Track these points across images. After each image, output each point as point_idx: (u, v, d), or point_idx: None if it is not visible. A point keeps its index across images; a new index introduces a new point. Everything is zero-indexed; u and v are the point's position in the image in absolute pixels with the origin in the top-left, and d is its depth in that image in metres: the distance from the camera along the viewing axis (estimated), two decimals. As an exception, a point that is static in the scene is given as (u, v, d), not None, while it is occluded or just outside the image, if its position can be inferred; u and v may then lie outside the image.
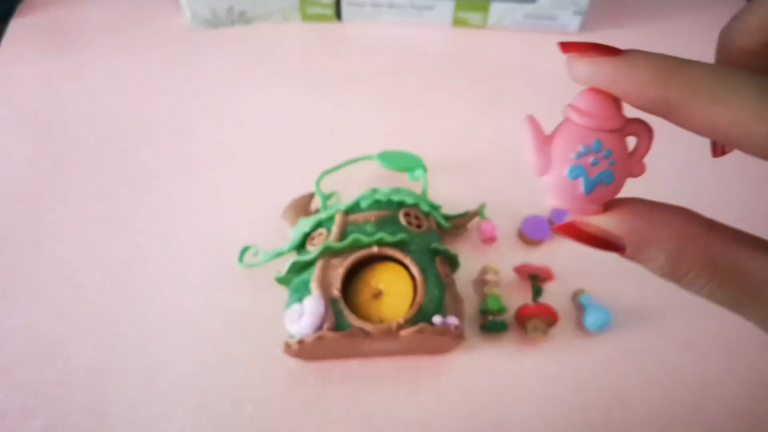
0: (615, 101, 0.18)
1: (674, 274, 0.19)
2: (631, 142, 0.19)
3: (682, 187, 0.51)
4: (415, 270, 0.39)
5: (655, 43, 0.59)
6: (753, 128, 0.16)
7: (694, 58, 0.54)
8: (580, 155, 0.18)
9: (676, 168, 0.52)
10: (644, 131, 0.19)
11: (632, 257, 0.19)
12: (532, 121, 0.19)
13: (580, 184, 0.18)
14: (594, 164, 0.18)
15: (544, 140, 0.19)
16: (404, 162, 0.48)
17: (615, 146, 0.18)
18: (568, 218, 0.20)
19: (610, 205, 0.19)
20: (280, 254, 0.43)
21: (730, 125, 0.17)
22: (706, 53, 0.65)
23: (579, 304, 0.44)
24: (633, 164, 0.19)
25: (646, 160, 0.19)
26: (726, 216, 0.20)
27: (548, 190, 0.19)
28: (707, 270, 0.18)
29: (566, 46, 0.20)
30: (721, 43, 0.23)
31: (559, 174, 0.18)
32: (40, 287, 0.45)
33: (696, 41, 0.59)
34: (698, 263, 0.18)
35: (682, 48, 0.58)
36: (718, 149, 0.23)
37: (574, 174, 0.18)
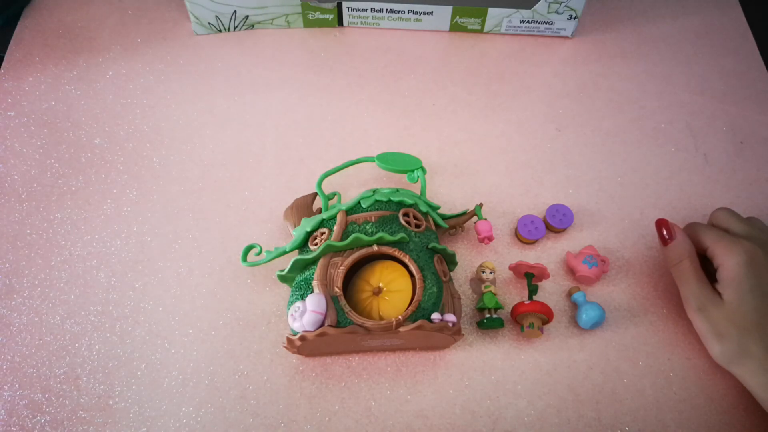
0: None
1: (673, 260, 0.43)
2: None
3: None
4: (414, 268, 0.40)
5: (647, 46, 0.60)
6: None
7: (684, 61, 0.61)
8: None
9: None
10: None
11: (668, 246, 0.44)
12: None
13: None
14: None
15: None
16: (403, 163, 0.49)
17: None
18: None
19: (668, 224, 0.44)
20: (282, 253, 0.44)
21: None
22: (696, 57, 0.66)
23: (573, 301, 0.45)
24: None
25: None
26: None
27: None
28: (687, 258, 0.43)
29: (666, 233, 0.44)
30: None
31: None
32: (48, 285, 0.46)
33: (686, 45, 0.61)
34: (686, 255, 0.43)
35: (673, 51, 0.60)
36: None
37: None
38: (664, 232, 0.43)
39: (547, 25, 0.59)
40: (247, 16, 0.58)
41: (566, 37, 0.60)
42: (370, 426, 0.41)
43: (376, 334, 0.38)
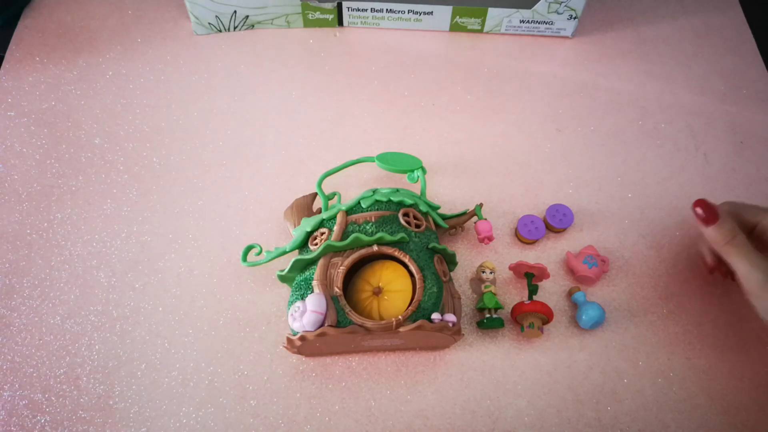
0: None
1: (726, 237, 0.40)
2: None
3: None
4: (414, 268, 0.40)
5: (647, 46, 0.60)
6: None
7: (684, 61, 0.60)
8: None
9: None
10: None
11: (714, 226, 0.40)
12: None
13: None
14: None
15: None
16: (403, 163, 0.49)
17: None
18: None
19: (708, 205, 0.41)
20: (282, 253, 0.44)
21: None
22: (696, 57, 0.66)
23: (573, 301, 0.45)
24: None
25: None
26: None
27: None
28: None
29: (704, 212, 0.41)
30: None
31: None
32: (48, 285, 0.46)
33: (686, 45, 0.61)
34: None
35: (673, 51, 0.60)
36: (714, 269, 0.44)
37: None
38: (700, 212, 0.41)
39: (547, 25, 0.59)
40: (247, 16, 0.58)
41: (566, 37, 0.60)
42: (370, 426, 0.41)
43: (376, 334, 0.38)
